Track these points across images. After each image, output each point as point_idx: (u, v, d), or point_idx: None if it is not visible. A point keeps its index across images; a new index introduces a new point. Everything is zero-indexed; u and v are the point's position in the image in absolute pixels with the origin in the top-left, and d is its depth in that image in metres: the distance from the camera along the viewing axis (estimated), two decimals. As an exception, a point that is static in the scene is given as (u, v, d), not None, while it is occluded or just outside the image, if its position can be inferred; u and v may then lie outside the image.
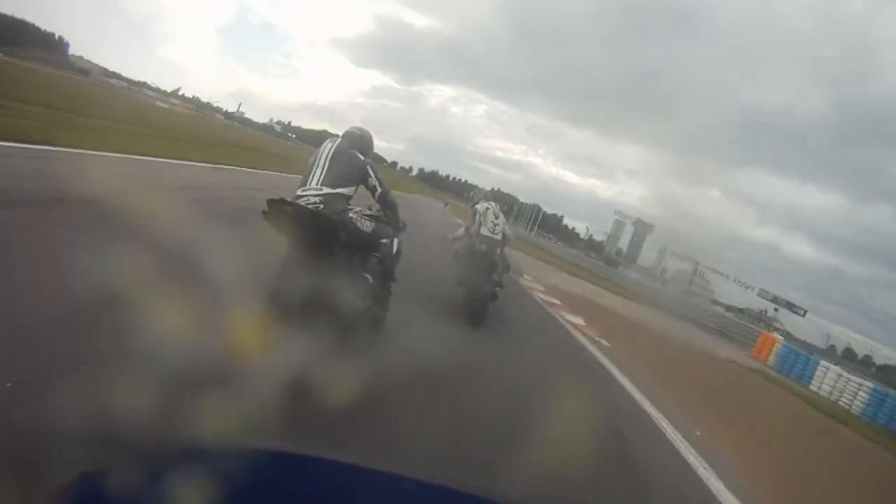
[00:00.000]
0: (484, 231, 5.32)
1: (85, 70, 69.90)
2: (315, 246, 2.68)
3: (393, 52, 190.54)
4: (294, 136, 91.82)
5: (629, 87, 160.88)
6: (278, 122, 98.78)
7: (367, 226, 2.99)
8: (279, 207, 2.64)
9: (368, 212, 3.14)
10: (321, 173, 2.92)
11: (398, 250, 3.32)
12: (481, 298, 5.06)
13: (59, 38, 76.63)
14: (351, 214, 2.93)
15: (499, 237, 5.39)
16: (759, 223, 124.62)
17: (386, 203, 3.19)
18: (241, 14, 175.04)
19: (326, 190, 2.85)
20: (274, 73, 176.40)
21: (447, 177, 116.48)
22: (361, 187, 3.07)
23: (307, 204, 2.80)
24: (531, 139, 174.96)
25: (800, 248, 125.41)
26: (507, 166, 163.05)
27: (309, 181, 2.92)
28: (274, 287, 2.63)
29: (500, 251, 5.51)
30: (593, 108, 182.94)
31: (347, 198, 2.95)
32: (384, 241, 3.17)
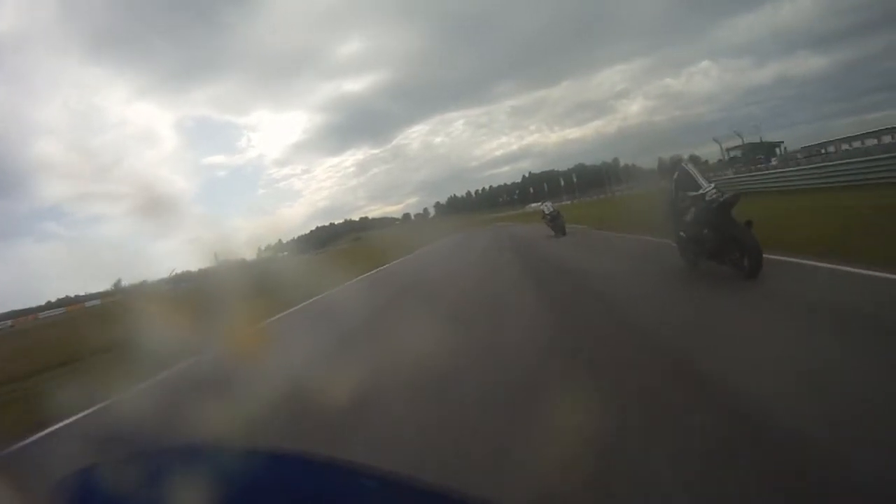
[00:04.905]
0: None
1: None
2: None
3: (353, 124, 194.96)
4: (285, 252, 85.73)
5: (576, 17, 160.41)
6: (266, 248, 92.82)
7: None
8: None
9: None
10: (706, 179, 5.74)
11: None
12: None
13: None
14: None
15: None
16: (759, 66, 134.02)
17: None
18: (207, 175, 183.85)
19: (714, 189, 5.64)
20: (268, 205, 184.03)
21: (467, 195, 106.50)
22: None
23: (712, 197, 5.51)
24: (518, 122, 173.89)
25: (810, 63, 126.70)
26: (512, 158, 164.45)
27: (706, 186, 5.62)
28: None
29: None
30: (554, 59, 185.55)
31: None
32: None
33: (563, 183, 73.98)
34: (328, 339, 6.79)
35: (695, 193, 5.72)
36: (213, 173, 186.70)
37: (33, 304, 65.64)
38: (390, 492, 0.74)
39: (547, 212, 17.13)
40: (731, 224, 5.32)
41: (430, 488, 0.73)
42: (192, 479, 0.64)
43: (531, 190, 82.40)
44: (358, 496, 0.73)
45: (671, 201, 6.28)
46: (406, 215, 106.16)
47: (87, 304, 58.93)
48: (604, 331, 4.52)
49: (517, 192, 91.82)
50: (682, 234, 6.09)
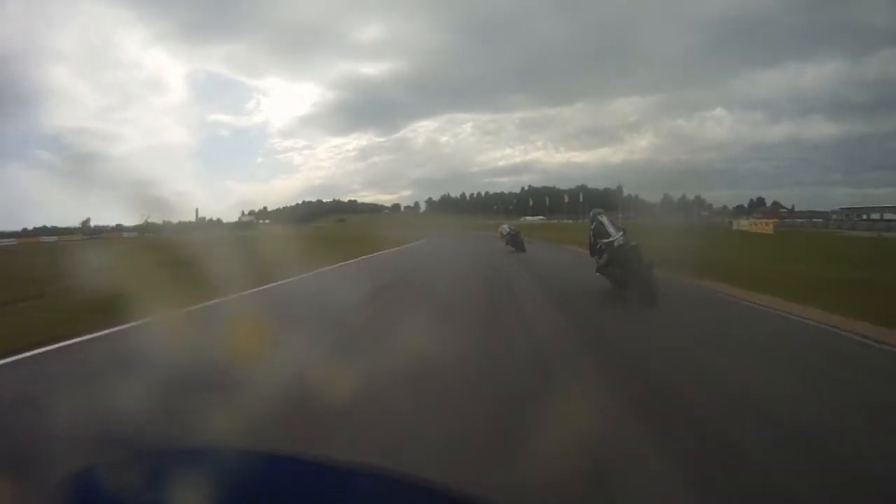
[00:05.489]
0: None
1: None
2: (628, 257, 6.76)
3: (362, 108, 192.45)
4: (267, 220, 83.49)
5: (600, 42, 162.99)
6: (250, 213, 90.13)
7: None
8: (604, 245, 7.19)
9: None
10: (615, 229, 7.14)
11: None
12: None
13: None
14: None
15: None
16: (771, 123, 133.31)
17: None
18: (210, 133, 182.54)
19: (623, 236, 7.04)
20: (263, 173, 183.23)
21: (462, 196, 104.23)
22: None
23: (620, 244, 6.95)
24: (525, 135, 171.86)
25: (820, 129, 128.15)
26: (514, 170, 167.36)
27: (615, 234, 7.08)
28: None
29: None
30: (572, 79, 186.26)
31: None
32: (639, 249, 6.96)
33: (566, 199, 72.39)
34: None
35: (607, 240, 7.30)
36: (217, 131, 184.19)
37: (9, 228, 64.77)
38: (390, 492, 0.74)
39: (504, 233, 19.71)
40: (635, 264, 6.72)
41: (430, 487, 0.74)
42: (192, 481, 0.64)
43: (531, 202, 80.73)
44: (358, 496, 0.74)
45: (591, 245, 7.92)
46: (396, 206, 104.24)
47: (43, 239, 56.72)
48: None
49: (514, 201, 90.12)
50: (598, 274, 7.67)
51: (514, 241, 18.38)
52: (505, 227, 20.58)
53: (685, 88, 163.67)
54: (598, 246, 7.43)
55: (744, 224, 35.24)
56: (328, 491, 0.73)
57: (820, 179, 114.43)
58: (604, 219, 7.60)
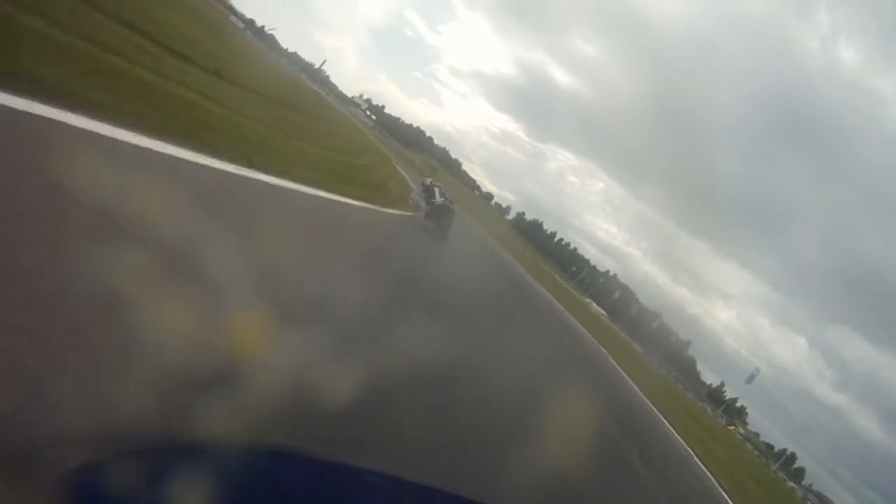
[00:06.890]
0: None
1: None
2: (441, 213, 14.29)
3: (530, 101, 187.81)
4: (369, 112, 78.88)
5: (752, 205, 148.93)
6: (367, 100, 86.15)
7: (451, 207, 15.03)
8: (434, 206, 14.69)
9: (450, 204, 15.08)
10: (440, 196, 14.99)
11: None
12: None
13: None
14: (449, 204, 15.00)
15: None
16: (833, 385, 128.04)
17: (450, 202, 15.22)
18: (397, 25, 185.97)
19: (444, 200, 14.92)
20: (411, 86, 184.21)
21: (553, 235, 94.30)
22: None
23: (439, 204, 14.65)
24: (637, 229, 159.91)
25: (867, 423, 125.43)
26: (606, 250, 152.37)
27: (439, 198, 14.86)
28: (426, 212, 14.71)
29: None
30: (709, 218, 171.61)
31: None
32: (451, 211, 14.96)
33: (655, 324, 60.79)
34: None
35: (432, 200, 14.19)
36: (401, 26, 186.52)
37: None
38: (388, 490, 0.75)
39: (427, 183, 18.01)
40: (443, 217, 13.54)
41: (425, 490, 0.77)
42: (192, 478, 0.64)
43: (617, 294, 69.92)
44: (357, 494, 0.75)
45: (423, 199, 15.25)
46: (489, 195, 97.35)
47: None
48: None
49: (601, 280, 79.30)
50: (424, 217, 13.80)
51: (428, 194, 17.30)
52: (427, 181, 18.28)
53: (794, 299, 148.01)
54: (427, 201, 14.65)
55: None
56: (328, 488, 0.74)
57: (824, 455, 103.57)
58: (436, 189, 15.02)
